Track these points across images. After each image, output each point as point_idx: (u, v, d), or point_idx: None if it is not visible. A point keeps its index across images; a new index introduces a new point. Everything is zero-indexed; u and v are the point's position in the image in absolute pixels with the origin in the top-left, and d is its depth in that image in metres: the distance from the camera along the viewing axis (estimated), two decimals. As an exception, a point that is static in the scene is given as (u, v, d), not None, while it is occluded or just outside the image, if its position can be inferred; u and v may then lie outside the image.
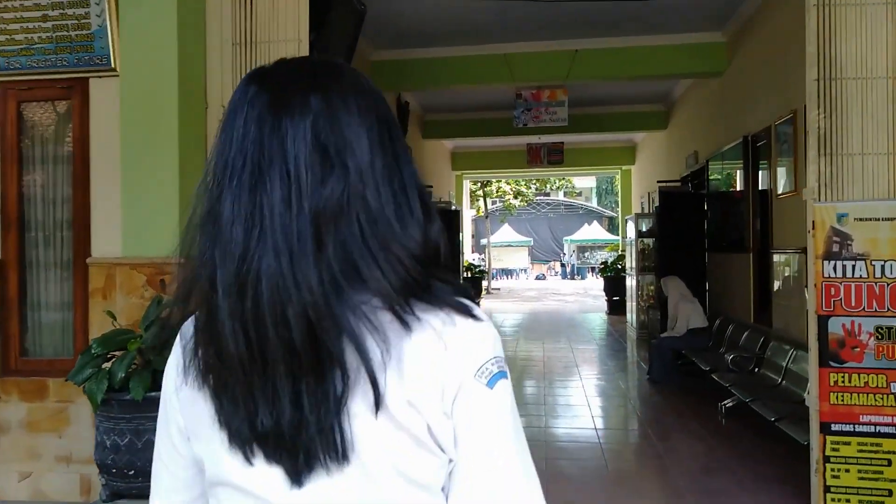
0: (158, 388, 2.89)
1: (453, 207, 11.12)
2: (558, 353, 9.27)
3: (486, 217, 31.28)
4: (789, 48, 5.39)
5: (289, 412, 0.64)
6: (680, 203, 8.06)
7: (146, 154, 3.63)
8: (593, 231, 34.74)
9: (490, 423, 0.67)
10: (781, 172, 5.45)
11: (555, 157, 10.87)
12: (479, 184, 28.41)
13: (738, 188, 6.65)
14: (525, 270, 34.37)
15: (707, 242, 7.84)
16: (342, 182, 0.67)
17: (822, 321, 3.30)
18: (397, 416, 0.65)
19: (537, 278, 32.76)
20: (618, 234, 35.79)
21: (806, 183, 3.46)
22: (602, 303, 15.29)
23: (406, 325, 0.66)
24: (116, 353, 3.02)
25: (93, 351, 2.94)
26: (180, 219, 3.75)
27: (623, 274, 14.36)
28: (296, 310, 0.63)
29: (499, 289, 24.66)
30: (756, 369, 5.60)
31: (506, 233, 33.74)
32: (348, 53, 4.86)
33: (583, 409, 6.06)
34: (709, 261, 7.84)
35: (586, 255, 35.06)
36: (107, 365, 2.98)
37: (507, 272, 33.21)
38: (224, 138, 0.71)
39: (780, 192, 5.50)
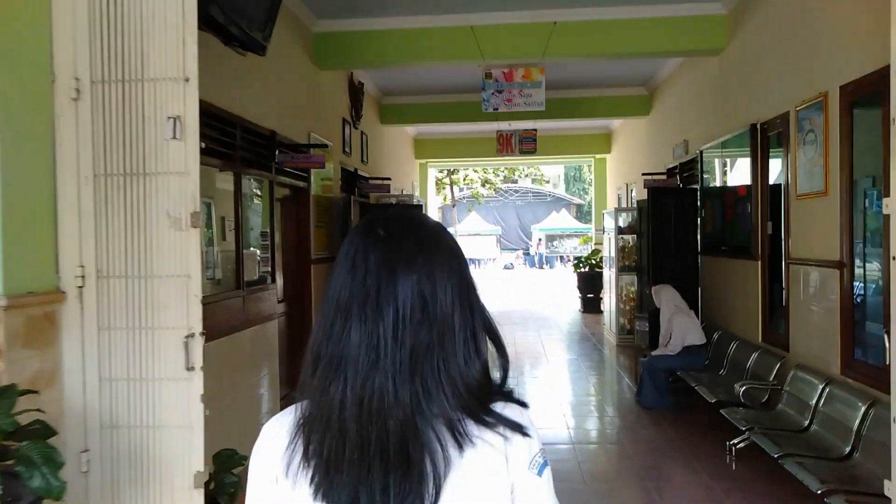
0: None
1: (416, 200, 10.05)
2: (528, 370, 8.32)
3: (454, 206, 30.34)
4: (816, 19, 4.46)
5: (379, 501, 0.83)
6: (668, 198, 7.14)
7: (-49, 146, 2.50)
8: (562, 219, 34.10)
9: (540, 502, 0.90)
10: (803, 168, 4.53)
11: (527, 145, 9.86)
12: (445, 171, 27.37)
13: (742, 184, 5.74)
14: (493, 259, 33.57)
15: (700, 244, 6.94)
16: (432, 327, 0.88)
17: (915, 384, 2.36)
18: None
19: (505, 268, 31.98)
20: (586, 223, 35.36)
21: (889, 190, 2.51)
22: (574, 298, 14.43)
23: (460, 445, 0.85)
24: None
25: None
26: (4, 234, 2.63)
27: (598, 270, 13.53)
28: (394, 421, 0.84)
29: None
30: (770, 402, 4.72)
31: (473, 221, 32.86)
32: (267, 17, 3.75)
33: (565, 450, 5.10)
34: (702, 265, 6.95)
35: (554, 243, 34.39)
36: None
37: (475, 262, 32.36)
38: (350, 278, 0.90)
39: (801, 192, 4.58)
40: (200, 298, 2.75)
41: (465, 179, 29.27)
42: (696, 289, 6.99)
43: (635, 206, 9.84)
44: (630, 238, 9.73)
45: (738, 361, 5.52)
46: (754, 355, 5.25)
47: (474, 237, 32.36)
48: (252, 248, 5.03)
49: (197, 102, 2.73)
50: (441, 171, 25.10)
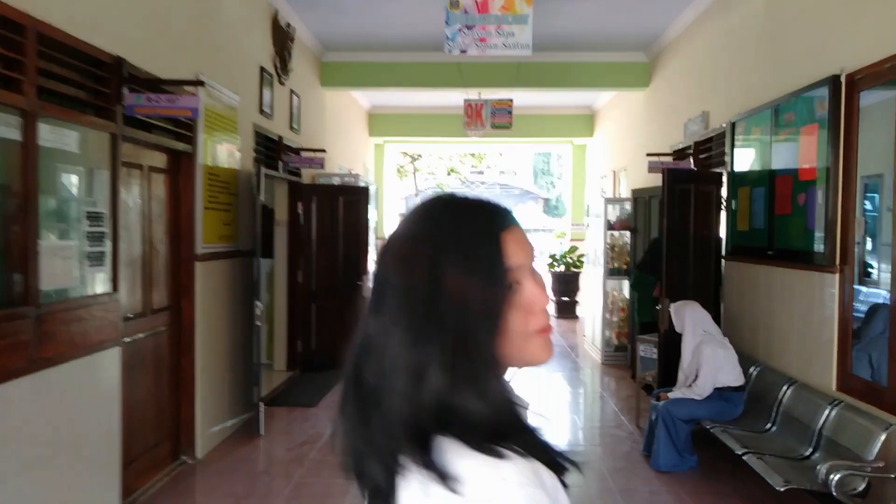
0: None
1: (363, 182, 8.21)
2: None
3: (417, 195, 28.59)
4: None
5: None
6: (685, 185, 5.44)
7: None
8: (529, 213, 32.68)
9: None
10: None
11: (501, 118, 8.09)
12: (409, 158, 25.52)
13: (807, 165, 4.07)
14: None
15: (728, 245, 5.29)
16: (377, 324, 0.72)
17: None
18: None
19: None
20: (553, 217, 33.90)
21: None
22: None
23: (390, 479, 0.70)
24: None
25: None
26: None
27: (575, 269, 11.90)
28: (346, 425, 0.74)
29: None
30: (871, 494, 3.07)
31: (438, 212, 31.12)
32: None
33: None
34: (727, 273, 5.30)
35: (522, 238, 32.89)
36: None
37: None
38: None
39: (935, 170, 2.91)
40: None
41: (428, 167, 27.51)
42: (716, 303, 5.35)
43: (628, 196, 8.20)
44: (620, 235, 8.09)
45: (796, 416, 3.86)
46: (829, 413, 3.59)
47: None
48: (67, 239, 3.14)
49: None
50: (404, 156, 23.28)
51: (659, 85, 7.66)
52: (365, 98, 10.74)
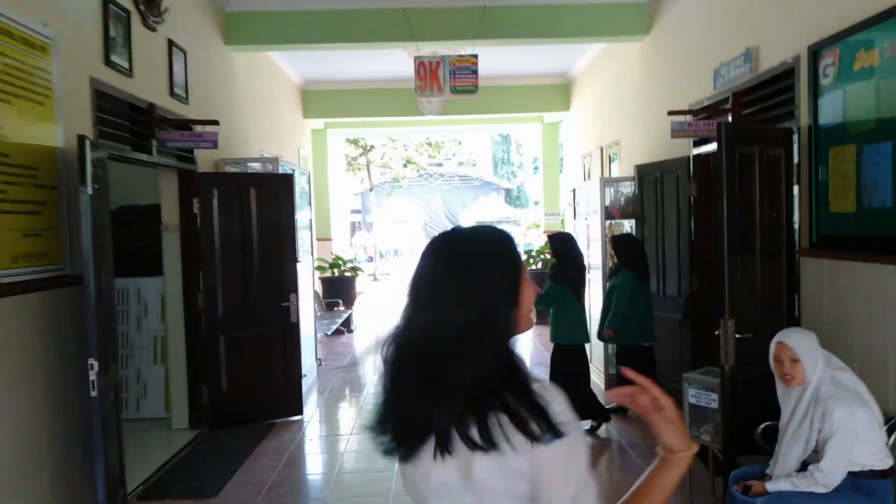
0: None
1: (285, 169, 6.27)
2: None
3: (371, 190, 26.67)
4: None
5: None
6: (740, 149, 3.71)
7: None
8: (492, 204, 31.04)
9: None
10: None
11: (465, 80, 6.22)
12: (360, 149, 23.54)
13: None
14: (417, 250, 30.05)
15: (813, 234, 3.58)
16: (436, 314, 1.12)
17: None
18: None
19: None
20: (518, 207, 32.36)
21: None
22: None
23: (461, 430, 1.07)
24: None
25: None
26: None
27: (555, 267, 10.17)
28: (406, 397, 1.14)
29: (388, 273, 21.02)
30: None
31: (395, 208, 29.19)
32: None
33: None
34: (808, 274, 3.60)
35: (485, 231, 31.15)
36: None
37: (398, 252, 28.82)
38: None
39: None
40: None
41: (382, 158, 25.58)
42: (793, 321, 3.66)
43: (628, 175, 6.51)
44: (616, 224, 6.41)
45: None
46: None
47: (398, 225, 28.70)
48: None
49: None
50: (354, 145, 21.28)
51: (664, 30, 5.94)
52: (294, 69, 8.78)
